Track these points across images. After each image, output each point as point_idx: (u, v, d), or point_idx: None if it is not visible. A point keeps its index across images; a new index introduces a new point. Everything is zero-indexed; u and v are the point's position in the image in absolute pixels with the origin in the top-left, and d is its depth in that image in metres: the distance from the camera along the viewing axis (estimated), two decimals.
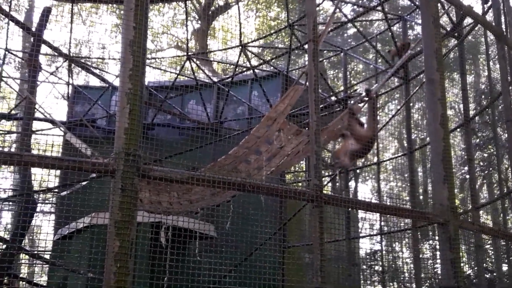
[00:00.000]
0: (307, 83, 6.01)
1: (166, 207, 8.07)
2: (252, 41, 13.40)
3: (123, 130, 4.97)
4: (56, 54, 12.48)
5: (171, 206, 8.08)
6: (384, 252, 12.00)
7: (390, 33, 12.09)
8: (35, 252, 10.95)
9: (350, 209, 7.07)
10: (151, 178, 5.04)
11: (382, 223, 11.50)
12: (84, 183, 10.00)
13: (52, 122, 11.43)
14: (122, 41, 5.23)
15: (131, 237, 4.72)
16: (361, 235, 12.41)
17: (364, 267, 13.89)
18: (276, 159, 7.60)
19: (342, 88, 13.41)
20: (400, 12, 13.22)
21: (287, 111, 7.02)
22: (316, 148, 5.53)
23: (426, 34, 7.17)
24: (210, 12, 17.72)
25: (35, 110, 9.80)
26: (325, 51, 13.94)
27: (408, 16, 11.71)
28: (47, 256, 11.20)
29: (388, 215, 9.04)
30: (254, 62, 13.44)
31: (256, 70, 12.86)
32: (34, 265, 12.15)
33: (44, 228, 14.47)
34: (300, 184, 13.72)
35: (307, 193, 5.40)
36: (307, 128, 10.32)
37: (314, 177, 5.45)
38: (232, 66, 13.79)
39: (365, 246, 14.10)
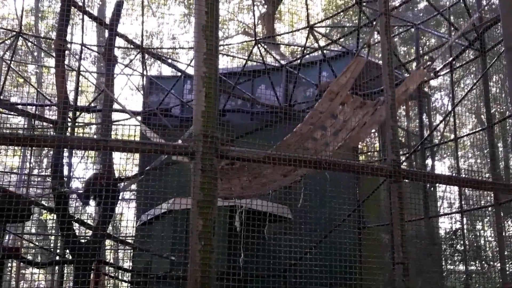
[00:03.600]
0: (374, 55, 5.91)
1: (239, 192, 8.21)
2: (319, 22, 13.27)
3: (200, 113, 5.10)
4: (132, 47, 12.88)
5: (243, 191, 8.21)
6: (465, 230, 11.65)
7: (463, 4, 11.64)
8: (122, 237, 11.44)
9: (429, 184, 6.91)
10: (229, 158, 5.15)
11: (462, 201, 11.15)
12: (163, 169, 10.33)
13: (130, 112, 11.87)
14: (195, 26, 5.35)
15: (213, 216, 4.87)
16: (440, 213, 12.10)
17: (444, 246, 13.52)
18: (342, 133, 7.51)
19: (414, 64, 13.02)
20: None
21: (350, 84, 6.90)
22: (392, 123, 5.46)
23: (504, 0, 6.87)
24: None
25: (113, 102, 10.20)
26: (395, 27, 13.59)
27: None
28: (129, 243, 11.70)
29: (470, 189, 8.76)
30: (322, 42, 13.31)
31: (324, 51, 12.74)
32: (120, 250, 12.70)
33: (127, 215, 15.11)
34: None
35: (385, 168, 5.34)
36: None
37: (392, 152, 5.38)
38: (300, 48, 13.73)
39: (444, 225, 13.74)
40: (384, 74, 5.59)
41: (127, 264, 12.86)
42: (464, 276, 12.11)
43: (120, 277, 11.82)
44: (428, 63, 8.61)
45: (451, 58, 11.58)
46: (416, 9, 18.73)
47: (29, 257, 11.65)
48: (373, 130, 7.56)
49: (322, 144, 7.36)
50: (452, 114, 11.39)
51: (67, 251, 10.02)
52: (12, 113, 11.91)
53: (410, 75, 7.19)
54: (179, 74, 13.60)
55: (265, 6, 17.97)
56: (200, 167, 4.95)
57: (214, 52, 5.27)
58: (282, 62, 13.88)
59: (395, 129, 5.43)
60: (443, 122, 14.67)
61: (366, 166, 5.37)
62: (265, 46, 13.69)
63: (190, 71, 13.40)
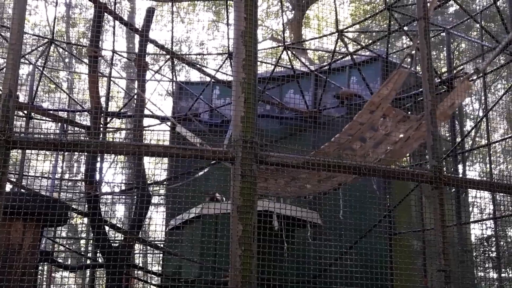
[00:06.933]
0: (415, 65, 5.86)
1: (275, 192, 8.21)
2: (349, 27, 13.23)
3: (240, 119, 5.11)
4: (163, 53, 12.98)
5: (279, 191, 8.20)
6: (498, 237, 11.47)
7: (495, 8, 11.48)
8: (152, 242, 11.51)
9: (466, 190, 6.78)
10: (268, 163, 5.16)
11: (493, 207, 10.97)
12: (193, 175, 10.38)
13: (161, 117, 11.98)
14: (234, 32, 5.38)
15: (253, 221, 4.87)
16: (473, 219, 11.93)
17: (475, 253, 13.32)
18: (382, 146, 7.44)
19: (444, 69, 12.89)
20: None
21: (392, 96, 6.84)
22: (433, 129, 5.40)
23: None
24: (303, 1, 17.69)
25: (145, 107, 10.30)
26: None
27: None
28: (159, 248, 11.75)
29: (502, 195, 8.61)
30: (351, 48, 13.26)
31: (354, 56, 12.68)
32: (152, 254, 12.78)
33: (157, 219, 15.24)
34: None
35: (426, 174, 5.29)
36: (410, 113, 10.04)
37: (432, 158, 5.33)
38: (328, 54, 13.70)
39: (475, 231, 13.54)
40: (423, 79, 5.54)
41: (156, 269, 12.93)
42: (496, 283, 11.92)
43: (150, 282, 11.89)
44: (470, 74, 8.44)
45: (485, 62, 11.41)
46: (445, 14, 18.54)
47: (60, 261, 11.80)
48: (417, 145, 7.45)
49: (361, 155, 7.30)
50: (485, 120, 11.24)
51: (99, 255, 10.14)
52: (46, 118, 12.09)
53: (455, 89, 7.08)
54: (207, 80, 13.66)
55: (293, 12, 17.99)
56: (240, 172, 4.96)
57: (253, 58, 5.29)
58: (311, 67, 13.85)
59: (435, 135, 5.37)
60: (475, 127, 14.47)
61: (407, 172, 5.32)
62: (293, 52, 13.68)
63: (219, 76, 13.48)
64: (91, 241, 12.59)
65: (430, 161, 5.33)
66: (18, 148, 4.79)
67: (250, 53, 5.27)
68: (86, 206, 8.94)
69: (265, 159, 5.14)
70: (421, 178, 5.33)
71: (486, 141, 11.63)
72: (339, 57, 13.33)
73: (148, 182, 10.31)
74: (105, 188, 13.92)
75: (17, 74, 5.13)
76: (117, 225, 11.07)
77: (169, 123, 12.50)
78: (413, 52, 7.03)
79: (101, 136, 10.43)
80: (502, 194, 8.89)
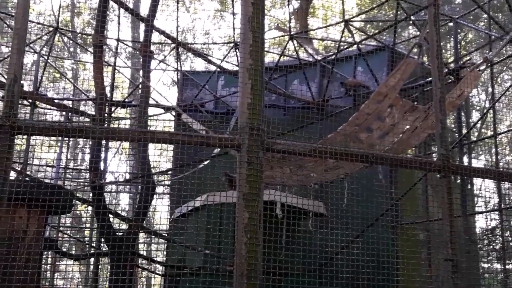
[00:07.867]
0: (422, 55, 5.78)
1: (281, 180, 8.17)
2: (355, 16, 13.12)
3: (246, 105, 5.06)
4: (168, 41, 12.89)
5: (285, 180, 8.17)
6: (503, 228, 11.40)
7: None
8: (157, 231, 11.50)
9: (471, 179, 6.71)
10: (275, 151, 5.11)
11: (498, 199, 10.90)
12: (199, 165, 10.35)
13: (166, 107, 11.94)
14: (241, 18, 5.31)
15: (259, 208, 4.83)
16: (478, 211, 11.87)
17: (480, 245, 13.28)
18: (389, 136, 7.37)
19: (451, 59, 12.77)
20: None
21: (399, 86, 6.77)
22: (441, 117, 5.34)
23: None
24: None
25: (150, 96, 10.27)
26: None
27: None
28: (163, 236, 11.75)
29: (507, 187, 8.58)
30: (357, 37, 13.16)
31: (360, 46, 12.58)
32: (156, 243, 12.78)
33: (161, 208, 15.21)
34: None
35: (434, 163, 5.23)
36: (416, 103, 9.95)
37: (440, 146, 5.27)
38: (334, 44, 13.60)
39: (480, 223, 13.50)
40: (433, 66, 5.47)
41: (161, 258, 12.94)
42: (502, 275, 11.87)
43: (154, 270, 11.89)
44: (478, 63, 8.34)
45: (493, 52, 11.31)
46: (452, 4, 18.39)
47: (64, 249, 11.80)
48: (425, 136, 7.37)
49: (367, 145, 7.24)
50: (492, 111, 11.14)
51: (104, 243, 10.12)
52: (51, 107, 12.06)
53: (464, 78, 6.99)
54: (212, 69, 13.58)
55: (299, 1, 17.87)
56: (246, 159, 4.92)
57: (260, 44, 5.22)
58: (317, 57, 13.76)
59: (444, 123, 5.31)
60: (481, 118, 14.38)
61: (415, 161, 5.26)
62: (299, 41, 13.58)
63: (224, 65, 13.41)
64: (95, 230, 12.58)
65: (438, 150, 5.28)
66: (23, 133, 4.75)
67: (257, 39, 5.21)
68: (91, 194, 8.93)
69: (272, 147, 5.09)
70: (429, 166, 5.27)
71: (492, 132, 11.52)
72: (345, 46, 13.24)
73: (153, 171, 10.29)
74: (109, 178, 13.90)
75: (22, 60, 5.07)
76: (121, 214, 11.06)
77: (173, 113, 12.45)
78: (422, 42, 6.95)
79: (105, 124, 10.39)
80: (509, 183, 8.86)
